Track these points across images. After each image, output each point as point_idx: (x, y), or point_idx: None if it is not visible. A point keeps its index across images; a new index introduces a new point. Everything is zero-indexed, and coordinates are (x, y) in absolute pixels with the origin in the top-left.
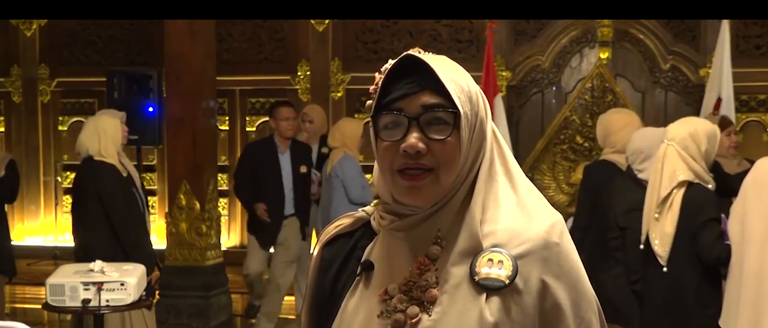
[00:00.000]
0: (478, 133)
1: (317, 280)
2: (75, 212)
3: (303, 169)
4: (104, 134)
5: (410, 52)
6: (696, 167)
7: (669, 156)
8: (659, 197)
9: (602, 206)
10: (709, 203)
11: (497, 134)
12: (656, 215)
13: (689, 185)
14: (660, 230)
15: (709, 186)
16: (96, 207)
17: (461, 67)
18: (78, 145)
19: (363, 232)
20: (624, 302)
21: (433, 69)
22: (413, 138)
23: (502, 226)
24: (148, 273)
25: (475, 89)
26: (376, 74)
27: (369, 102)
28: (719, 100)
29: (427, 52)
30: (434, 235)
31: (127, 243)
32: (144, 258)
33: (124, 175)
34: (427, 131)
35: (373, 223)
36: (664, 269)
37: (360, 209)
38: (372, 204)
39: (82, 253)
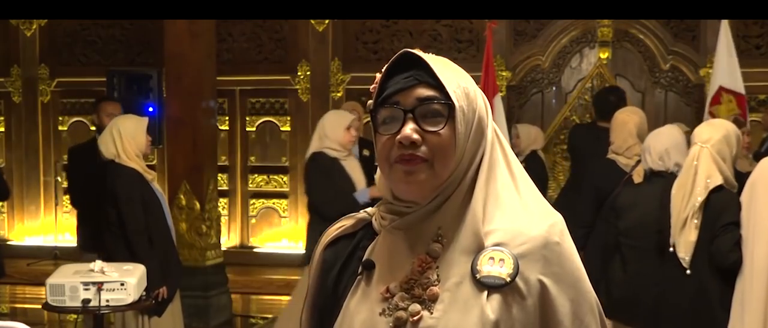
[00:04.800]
0: (477, 130)
1: (319, 281)
2: (101, 215)
3: None
4: (121, 136)
5: (409, 50)
6: (726, 171)
7: (703, 160)
8: (696, 204)
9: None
10: (731, 206)
11: (498, 132)
12: (695, 221)
13: (715, 188)
14: (686, 234)
15: (734, 189)
16: (113, 212)
17: (461, 69)
18: (101, 149)
19: (364, 233)
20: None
21: (429, 64)
22: (408, 129)
23: (503, 224)
24: (153, 286)
25: (474, 88)
26: (377, 75)
27: (370, 101)
28: (743, 98)
29: (427, 54)
30: (435, 233)
31: (136, 252)
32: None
33: (149, 178)
34: (422, 123)
35: (375, 223)
36: (687, 272)
37: (362, 211)
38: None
39: (105, 256)
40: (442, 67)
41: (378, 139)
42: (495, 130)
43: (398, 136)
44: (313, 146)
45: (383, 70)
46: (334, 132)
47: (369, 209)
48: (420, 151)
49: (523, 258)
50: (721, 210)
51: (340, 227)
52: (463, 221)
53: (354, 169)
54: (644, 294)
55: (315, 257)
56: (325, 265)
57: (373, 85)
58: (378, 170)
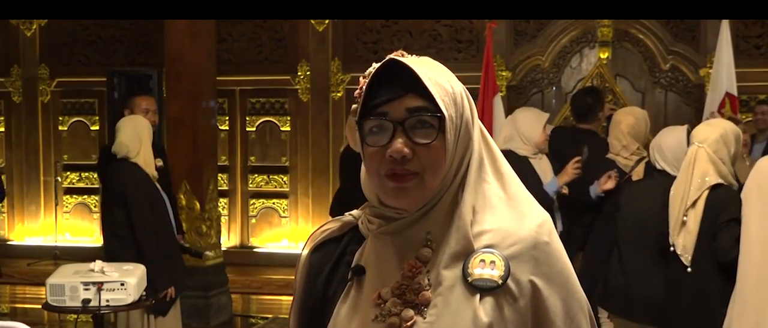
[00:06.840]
0: (464, 135)
1: (306, 285)
2: (103, 213)
3: None
4: (145, 138)
5: (393, 55)
6: (724, 169)
7: (700, 159)
8: (688, 201)
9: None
10: (732, 203)
11: (485, 133)
12: (684, 218)
13: (715, 186)
14: (685, 232)
15: (734, 187)
16: (122, 213)
17: (445, 68)
18: (117, 146)
19: (351, 236)
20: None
21: (417, 72)
22: (399, 143)
23: (493, 226)
24: (161, 286)
25: (460, 89)
26: (361, 78)
27: (354, 106)
28: (735, 98)
29: (412, 55)
30: (424, 237)
31: (144, 252)
32: (154, 273)
33: (155, 177)
34: (413, 135)
35: (361, 227)
36: (688, 269)
37: (347, 214)
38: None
39: (108, 255)
40: (429, 72)
41: (365, 151)
42: (480, 128)
43: (389, 151)
44: (500, 144)
45: (368, 74)
46: (531, 132)
47: (354, 212)
48: (411, 164)
49: (513, 259)
50: (721, 207)
51: (326, 230)
52: (452, 225)
53: (544, 168)
54: (638, 290)
55: (301, 259)
56: (312, 269)
57: (357, 91)
58: (362, 172)
